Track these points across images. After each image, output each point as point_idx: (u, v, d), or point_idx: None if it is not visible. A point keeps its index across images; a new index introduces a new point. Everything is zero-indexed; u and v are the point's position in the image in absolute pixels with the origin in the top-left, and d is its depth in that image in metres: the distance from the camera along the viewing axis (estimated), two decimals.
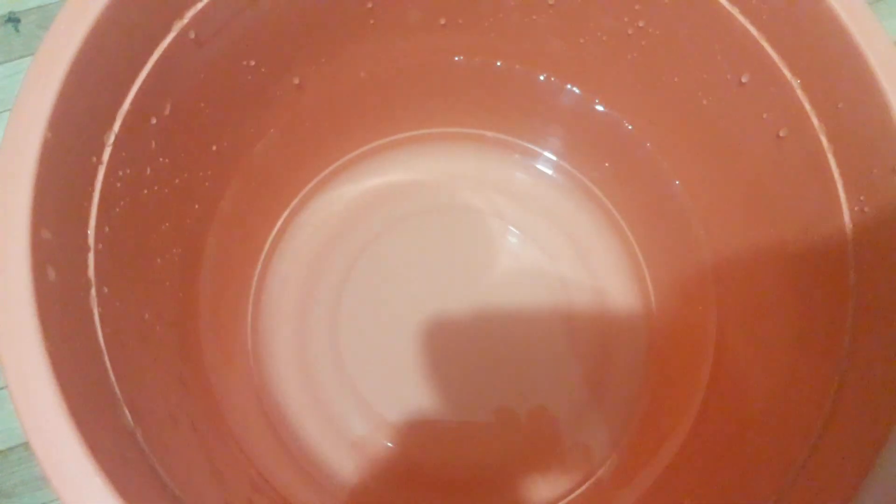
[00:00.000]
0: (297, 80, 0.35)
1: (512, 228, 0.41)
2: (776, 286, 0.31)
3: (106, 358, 0.24)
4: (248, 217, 0.38)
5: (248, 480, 0.33)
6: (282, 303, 0.39)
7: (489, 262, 0.40)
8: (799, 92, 0.28)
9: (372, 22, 0.34)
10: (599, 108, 0.39)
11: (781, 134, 0.29)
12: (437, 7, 0.35)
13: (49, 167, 0.22)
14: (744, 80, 0.30)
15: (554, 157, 0.42)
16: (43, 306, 0.20)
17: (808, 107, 0.28)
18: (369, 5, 0.34)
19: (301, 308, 0.39)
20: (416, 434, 0.37)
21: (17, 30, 0.53)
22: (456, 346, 0.39)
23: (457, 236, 0.41)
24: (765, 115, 0.30)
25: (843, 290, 0.27)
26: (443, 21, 0.36)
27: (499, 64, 0.39)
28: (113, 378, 0.24)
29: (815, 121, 0.28)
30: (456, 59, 0.39)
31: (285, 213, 0.40)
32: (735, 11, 0.29)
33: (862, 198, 0.26)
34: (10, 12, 0.53)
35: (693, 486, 0.32)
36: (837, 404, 0.26)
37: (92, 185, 0.25)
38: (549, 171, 0.42)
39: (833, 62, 0.26)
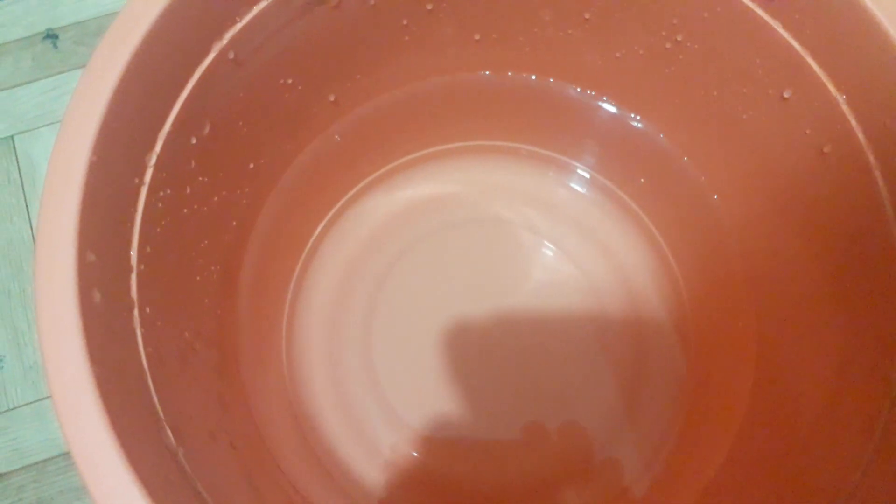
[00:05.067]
0: (332, 97, 0.36)
1: (545, 241, 0.41)
2: (819, 303, 0.31)
3: (148, 377, 0.24)
4: (284, 232, 0.38)
5: (284, 496, 0.33)
6: (316, 317, 0.39)
7: (522, 274, 0.40)
8: (844, 108, 0.27)
9: (407, 39, 0.35)
10: (635, 121, 0.39)
11: (825, 150, 0.29)
12: (471, 23, 0.35)
13: (94, 190, 0.22)
14: (786, 95, 0.30)
15: (588, 171, 0.41)
16: (88, 328, 0.21)
17: (853, 123, 0.27)
18: (404, 22, 0.34)
19: (335, 321, 0.39)
20: (448, 448, 0.37)
21: (55, 46, 0.54)
22: (488, 359, 0.38)
23: (490, 249, 0.41)
24: (808, 131, 0.29)
25: (891, 309, 0.26)
26: (477, 37, 0.36)
27: (533, 78, 0.39)
28: (155, 397, 0.24)
29: (861, 137, 0.27)
30: (490, 73, 0.39)
31: (320, 228, 0.40)
32: (777, 25, 0.28)
33: None
34: (48, 29, 0.54)
35: None
36: (889, 428, 0.25)
37: (134, 206, 0.25)
38: (584, 185, 0.42)
39: (880, 77, 0.26)
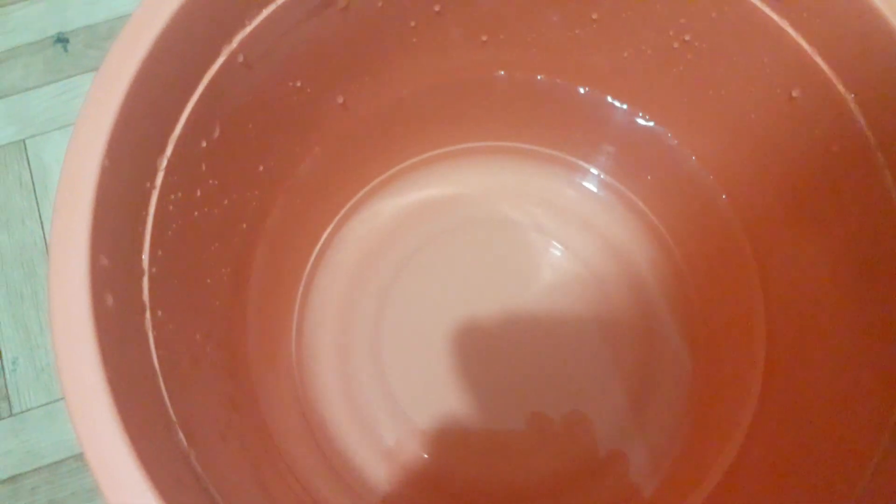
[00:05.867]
0: (341, 100, 0.36)
1: (553, 241, 0.41)
2: (829, 304, 0.31)
3: (160, 379, 0.25)
4: (293, 234, 0.38)
5: (294, 496, 0.33)
6: (325, 317, 0.39)
7: (530, 274, 0.40)
8: (853, 107, 0.27)
9: (415, 40, 0.35)
10: (643, 121, 0.39)
11: (834, 149, 0.29)
12: (478, 24, 0.35)
13: (106, 195, 0.22)
14: (794, 94, 0.30)
15: (596, 171, 0.41)
16: (101, 332, 0.21)
17: (862, 122, 0.27)
18: (412, 24, 0.34)
19: (343, 322, 0.39)
20: (456, 446, 0.37)
21: (65, 50, 0.54)
22: (497, 359, 0.38)
23: (497, 249, 0.41)
24: (816, 130, 0.29)
25: None
26: (484, 38, 0.36)
27: (540, 78, 0.39)
28: (167, 399, 0.25)
29: (871, 136, 0.27)
30: (497, 74, 0.39)
31: (329, 229, 0.40)
32: (785, 24, 0.28)
33: None
34: (58, 33, 0.55)
35: None
36: None
37: (146, 209, 0.25)
38: (592, 185, 0.42)
39: (888, 76, 0.26)
